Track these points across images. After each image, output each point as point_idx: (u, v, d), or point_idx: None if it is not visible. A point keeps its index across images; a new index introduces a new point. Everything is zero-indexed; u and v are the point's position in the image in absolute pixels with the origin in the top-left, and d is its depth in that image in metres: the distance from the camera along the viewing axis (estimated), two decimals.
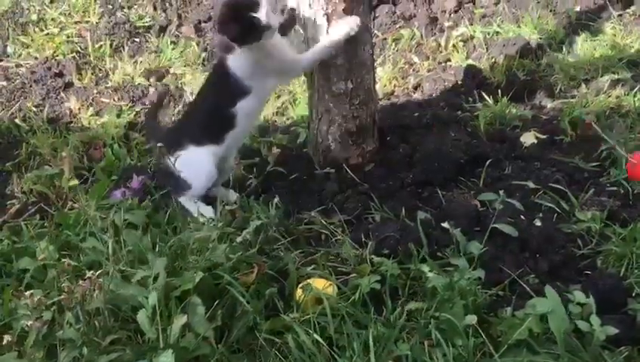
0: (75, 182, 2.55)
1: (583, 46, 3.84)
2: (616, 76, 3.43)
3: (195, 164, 2.37)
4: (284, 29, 2.44)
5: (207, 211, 2.36)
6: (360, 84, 2.52)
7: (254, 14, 2.13)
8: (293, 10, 2.48)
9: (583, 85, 3.42)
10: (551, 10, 4.25)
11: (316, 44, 2.41)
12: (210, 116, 2.44)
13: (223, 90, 2.40)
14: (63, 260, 1.81)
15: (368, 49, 2.52)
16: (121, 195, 1.90)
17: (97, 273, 1.70)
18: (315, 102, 2.60)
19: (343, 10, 2.34)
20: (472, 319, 1.67)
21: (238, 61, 2.32)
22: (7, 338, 1.51)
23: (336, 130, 2.59)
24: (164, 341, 1.63)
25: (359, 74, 2.51)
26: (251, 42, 2.21)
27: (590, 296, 1.74)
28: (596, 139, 2.65)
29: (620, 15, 4.08)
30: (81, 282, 1.56)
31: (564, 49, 3.85)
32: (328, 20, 2.36)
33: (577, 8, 4.21)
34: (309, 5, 2.38)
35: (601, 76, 3.47)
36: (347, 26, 2.34)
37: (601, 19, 4.11)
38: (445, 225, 2.07)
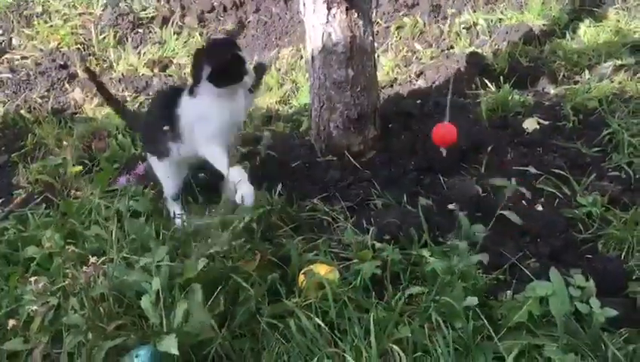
0: (79, 168, 2.57)
1: (587, 32, 3.83)
2: (619, 62, 3.42)
3: (158, 169, 2.32)
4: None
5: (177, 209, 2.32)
6: (361, 72, 2.53)
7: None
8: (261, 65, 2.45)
9: (587, 71, 3.41)
10: None
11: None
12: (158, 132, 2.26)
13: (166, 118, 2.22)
14: (68, 247, 1.83)
15: (369, 36, 2.52)
16: (125, 181, 1.92)
17: (101, 259, 1.72)
18: (317, 90, 2.61)
19: None
20: (472, 301, 1.69)
21: (192, 102, 2.16)
22: (12, 322, 1.53)
23: (338, 118, 2.59)
24: (167, 326, 1.65)
25: (360, 61, 2.51)
26: (225, 86, 2.11)
27: (590, 279, 1.74)
28: (599, 125, 2.65)
29: (624, 0, 4.06)
30: (85, 268, 1.58)
31: (567, 35, 3.84)
32: (328, 7, 2.36)
33: None
34: None
35: (605, 62, 3.46)
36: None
37: (604, 4, 4.11)
38: (452, 206, 2.08)
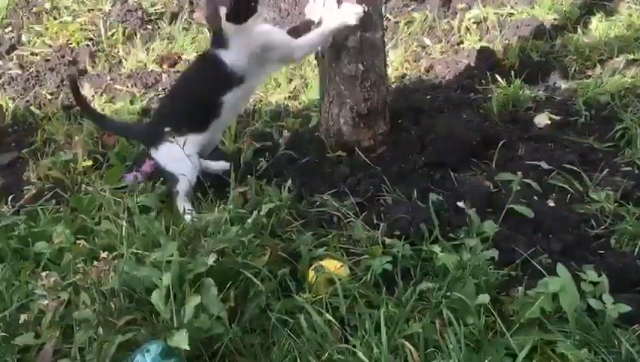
0: (89, 162, 2.58)
1: (598, 26, 3.79)
2: (631, 56, 3.39)
3: (179, 156, 2.27)
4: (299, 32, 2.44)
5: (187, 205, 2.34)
6: (371, 67, 2.51)
7: None
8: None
9: (598, 66, 3.38)
10: None
11: (313, 31, 2.40)
12: (195, 105, 2.40)
13: (212, 80, 2.37)
14: (78, 243, 1.83)
15: (379, 31, 2.51)
16: (133, 178, 1.92)
17: (112, 255, 1.72)
18: (326, 85, 2.60)
19: None
20: (484, 298, 1.67)
21: (232, 54, 2.30)
22: (23, 316, 1.54)
23: (348, 113, 2.58)
24: (178, 321, 1.65)
25: (370, 56, 2.49)
26: (241, 22, 2.25)
27: (603, 274, 1.73)
28: (611, 120, 2.63)
29: None
30: (95, 263, 1.58)
31: (578, 29, 3.80)
32: (339, 2, 2.35)
33: None
34: None
35: (617, 56, 3.43)
36: (346, 14, 2.33)
37: None
38: (461, 204, 2.07)
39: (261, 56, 2.33)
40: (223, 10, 2.22)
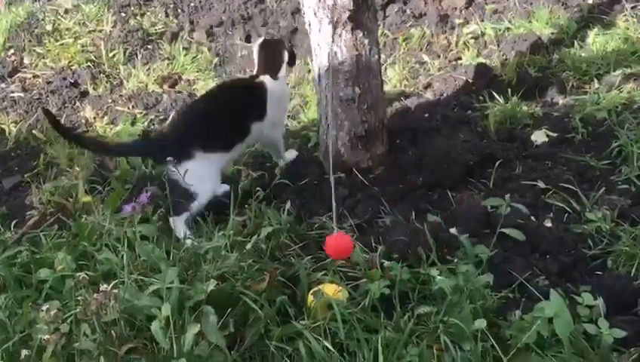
0: (89, 198, 2.60)
1: (596, 40, 3.81)
2: (629, 70, 3.41)
3: (205, 175, 2.40)
4: None
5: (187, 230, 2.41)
6: (367, 89, 2.54)
7: None
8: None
9: (595, 80, 3.40)
10: (562, 4, 4.22)
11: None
12: (228, 125, 2.51)
13: (251, 105, 2.60)
14: (78, 274, 1.85)
15: (375, 54, 2.53)
16: (131, 209, 1.94)
17: (112, 284, 1.74)
18: (324, 108, 2.63)
19: (349, 18, 2.35)
20: (481, 324, 1.68)
21: (277, 84, 2.65)
22: (24, 352, 1.56)
23: (346, 135, 2.61)
24: (178, 350, 1.67)
25: (366, 79, 2.52)
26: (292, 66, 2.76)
27: (599, 297, 1.74)
28: (608, 137, 2.64)
29: (634, 7, 4.04)
30: (95, 295, 1.60)
31: (576, 44, 3.83)
32: (334, 27, 2.38)
33: (590, 1, 4.19)
34: (315, 13, 2.40)
35: (614, 70, 3.45)
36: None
37: (613, 12, 4.08)
38: (453, 230, 2.08)
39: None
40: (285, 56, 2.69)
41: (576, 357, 1.60)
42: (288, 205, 2.33)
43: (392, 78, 3.79)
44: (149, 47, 4.43)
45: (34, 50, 4.38)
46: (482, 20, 4.26)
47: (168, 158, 2.11)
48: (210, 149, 2.44)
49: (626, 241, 2.06)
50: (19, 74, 4.23)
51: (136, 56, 4.30)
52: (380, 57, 2.58)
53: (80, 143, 2.84)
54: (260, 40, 2.79)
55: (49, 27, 4.54)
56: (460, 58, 4.00)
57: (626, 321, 1.73)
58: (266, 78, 2.64)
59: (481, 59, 3.84)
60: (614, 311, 1.77)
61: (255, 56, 2.74)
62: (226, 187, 2.60)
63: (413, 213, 2.30)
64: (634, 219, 2.18)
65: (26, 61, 4.34)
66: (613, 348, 1.65)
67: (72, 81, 4.06)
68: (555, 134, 2.82)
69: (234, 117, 2.53)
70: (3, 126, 3.69)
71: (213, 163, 2.47)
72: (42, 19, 4.61)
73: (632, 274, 1.95)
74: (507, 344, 1.69)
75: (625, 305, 1.83)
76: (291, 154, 2.82)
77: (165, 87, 4.02)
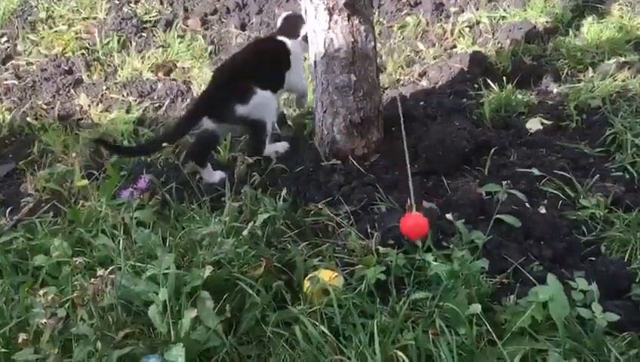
0: (85, 181, 2.60)
1: (590, 29, 3.82)
2: (623, 59, 3.42)
3: (266, 104, 2.73)
4: None
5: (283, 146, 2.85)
6: (363, 77, 2.54)
7: None
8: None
9: (590, 69, 3.41)
10: None
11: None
12: (272, 72, 2.89)
13: (280, 57, 2.93)
14: (75, 259, 1.85)
15: (371, 41, 2.53)
16: (129, 194, 1.94)
17: (109, 269, 1.74)
18: (320, 95, 2.63)
19: (345, 4, 2.35)
20: (476, 308, 1.69)
21: (294, 43, 2.96)
22: (22, 336, 1.56)
23: (341, 122, 2.61)
24: (175, 334, 1.67)
25: (362, 66, 2.52)
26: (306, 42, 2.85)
27: (593, 282, 1.76)
28: (602, 124, 2.66)
29: None
30: (92, 280, 1.61)
31: (570, 32, 3.83)
32: (330, 14, 2.38)
33: None
34: (311, 0, 2.39)
35: (608, 59, 3.46)
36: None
37: (608, 0, 4.09)
38: (449, 216, 2.09)
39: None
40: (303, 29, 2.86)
41: (569, 340, 1.62)
42: (284, 192, 2.33)
43: (388, 67, 3.78)
44: (143, 34, 4.40)
45: (27, 38, 4.35)
46: (477, 9, 4.26)
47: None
48: (266, 88, 2.74)
49: (620, 227, 2.08)
50: (12, 61, 4.20)
51: (131, 44, 4.28)
52: (375, 44, 2.58)
53: (147, 150, 2.96)
54: (285, 13, 3.20)
55: (43, 14, 4.51)
56: (455, 46, 3.99)
57: (619, 306, 1.75)
58: (284, 39, 2.96)
59: (476, 48, 3.83)
60: (608, 295, 1.79)
61: (279, 24, 3.16)
62: (222, 173, 2.60)
63: (409, 200, 2.30)
64: (627, 206, 2.20)
65: (19, 48, 4.31)
66: (607, 332, 1.67)
67: (66, 68, 4.04)
68: (549, 122, 2.83)
69: (274, 66, 2.90)
70: None
71: (271, 97, 2.78)
72: (36, 6, 4.59)
73: (626, 260, 1.97)
74: (502, 328, 1.71)
75: (618, 290, 1.85)
76: (283, 146, 2.86)
77: (160, 74, 4.00)
